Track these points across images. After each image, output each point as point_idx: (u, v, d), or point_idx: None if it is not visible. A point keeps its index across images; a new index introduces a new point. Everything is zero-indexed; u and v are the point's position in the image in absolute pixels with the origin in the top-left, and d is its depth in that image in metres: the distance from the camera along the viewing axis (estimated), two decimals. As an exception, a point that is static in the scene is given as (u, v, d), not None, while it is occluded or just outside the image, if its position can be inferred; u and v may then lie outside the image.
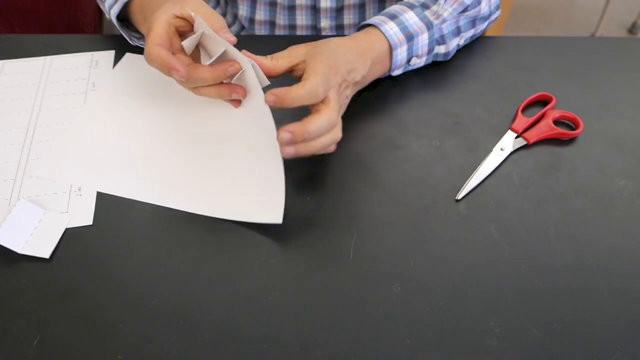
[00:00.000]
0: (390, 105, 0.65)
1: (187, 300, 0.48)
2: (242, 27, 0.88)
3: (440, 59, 0.68)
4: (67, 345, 0.46)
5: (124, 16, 0.67)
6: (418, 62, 0.66)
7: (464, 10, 0.66)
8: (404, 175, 0.58)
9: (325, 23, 0.81)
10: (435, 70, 0.68)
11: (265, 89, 0.53)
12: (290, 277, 0.50)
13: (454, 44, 0.67)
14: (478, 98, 0.67)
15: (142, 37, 0.63)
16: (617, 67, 0.71)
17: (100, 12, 1.40)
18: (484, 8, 0.68)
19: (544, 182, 0.58)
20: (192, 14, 0.54)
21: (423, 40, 0.63)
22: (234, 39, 0.55)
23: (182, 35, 0.57)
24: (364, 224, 0.54)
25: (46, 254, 0.51)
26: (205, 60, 0.56)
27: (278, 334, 0.46)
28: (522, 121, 0.63)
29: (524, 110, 0.65)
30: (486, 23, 0.71)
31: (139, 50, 0.69)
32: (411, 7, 0.64)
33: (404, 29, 0.62)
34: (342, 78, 0.56)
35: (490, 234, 0.53)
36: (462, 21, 0.67)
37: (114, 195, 0.56)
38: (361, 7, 0.81)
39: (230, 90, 0.56)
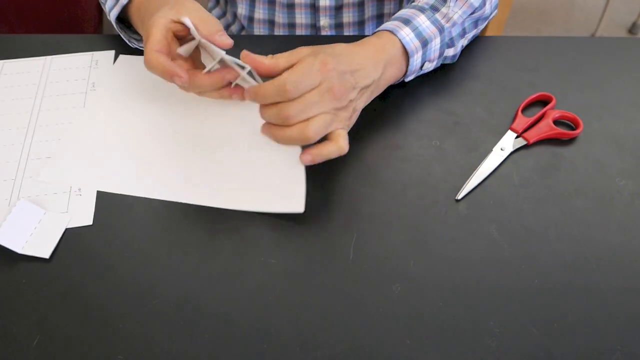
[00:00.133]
0: (390, 105, 0.65)
1: (187, 300, 0.48)
2: (243, 27, 0.88)
3: (448, 61, 0.68)
4: (67, 346, 0.46)
5: (124, 17, 0.67)
6: (429, 67, 0.65)
7: (473, 13, 0.66)
8: (404, 175, 0.58)
9: (324, 21, 0.81)
10: (435, 70, 0.68)
11: None
12: (290, 277, 0.50)
13: (460, 45, 0.67)
14: (478, 98, 0.67)
15: (141, 39, 0.64)
16: (617, 67, 0.71)
17: (100, 12, 1.40)
18: (487, 9, 0.68)
19: (544, 182, 0.58)
20: (186, 20, 0.54)
21: (436, 44, 0.62)
22: (230, 42, 0.55)
23: (180, 39, 0.57)
24: (364, 224, 0.54)
25: (46, 254, 0.51)
26: (206, 59, 0.56)
27: (278, 334, 0.46)
28: (522, 121, 0.63)
29: (524, 110, 0.65)
30: (486, 23, 0.71)
31: (135, 52, 0.69)
32: (422, 10, 0.62)
33: (418, 34, 0.60)
34: (343, 77, 0.53)
35: (490, 234, 0.54)
36: (467, 22, 0.66)
37: (114, 196, 0.56)
38: (360, 6, 0.81)
39: (230, 92, 0.56)
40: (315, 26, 0.82)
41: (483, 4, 0.66)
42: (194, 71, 0.56)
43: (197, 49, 0.58)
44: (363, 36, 0.61)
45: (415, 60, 0.61)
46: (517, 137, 0.62)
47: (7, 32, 1.31)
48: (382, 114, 0.64)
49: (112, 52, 0.71)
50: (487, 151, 0.61)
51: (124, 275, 0.50)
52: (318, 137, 0.52)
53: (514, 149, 0.61)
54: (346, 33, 0.84)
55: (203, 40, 0.54)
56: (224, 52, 0.53)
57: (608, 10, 1.96)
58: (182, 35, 0.57)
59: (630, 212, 0.56)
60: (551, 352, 0.46)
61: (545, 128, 0.62)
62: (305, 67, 0.51)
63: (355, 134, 0.57)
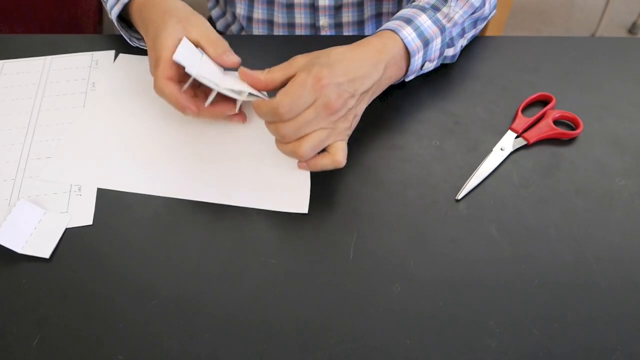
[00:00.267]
0: (390, 106, 0.65)
1: (187, 300, 0.48)
2: (242, 27, 0.88)
3: (447, 61, 0.68)
4: (67, 345, 0.46)
5: (124, 16, 0.67)
6: (429, 67, 0.65)
7: (473, 13, 0.65)
8: (404, 175, 0.58)
9: (324, 21, 0.81)
10: (435, 70, 0.68)
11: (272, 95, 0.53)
12: (290, 277, 0.50)
13: (459, 45, 0.67)
14: (478, 98, 0.67)
15: (142, 37, 0.64)
16: (617, 67, 0.71)
17: (100, 12, 1.40)
18: (486, 9, 0.68)
19: (544, 182, 0.58)
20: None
21: (437, 44, 0.62)
22: (237, 60, 0.56)
23: None
24: (364, 224, 0.54)
25: (46, 254, 0.51)
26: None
27: (278, 334, 0.46)
28: (522, 121, 0.63)
29: (524, 110, 0.65)
30: (484, 23, 0.71)
31: (135, 51, 0.69)
32: (423, 9, 0.62)
33: (420, 34, 0.60)
34: (339, 89, 0.52)
35: (490, 234, 0.54)
36: (467, 22, 0.66)
37: (114, 196, 0.56)
38: (359, 5, 0.81)
39: (232, 118, 0.61)
40: (314, 26, 0.82)
41: (483, 4, 0.66)
42: (197, 103, 0.58)
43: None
44: (363, 36, 0.61)
45: (417, 60, 0.61)
46: (517, 137, 0.62)
47: (7, 32, 1.31)
48: (382, 114, 0.64)
49: (112, 52, 0.71)
50: (487, 151, 0.61)
51: (124, 275, 0.50)
52: (311, 154, 0.54)
53: (514, 149, 0.61)
54: (346, 33, 0.84)
55: (200, 77, 0.54)
56: (219, 86, 0.54)
57: (608, 10, 1.96)
58: None
59: (630, 212, 0.56)
60: (551, 351, 0.46)
61: (545, 128, 0.62)
62: (298, 87, 0.51)
63: (355, 135, 0.57)
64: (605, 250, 0.53)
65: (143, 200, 0.55)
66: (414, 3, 0.64)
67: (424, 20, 0.61)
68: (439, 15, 0.62)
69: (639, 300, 0.49)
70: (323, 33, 0.83)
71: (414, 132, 0.63)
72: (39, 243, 0.51)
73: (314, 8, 0.80)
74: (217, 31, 0.60)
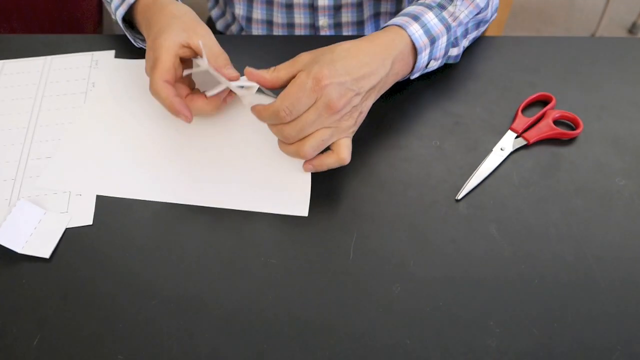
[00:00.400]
0: (390, 106, 0.65)
1: (187, 300, 0.48)
2: (242, 27, 0.88)
3: (451, 61, 0.68)
4: (67, 345, 0.46)
5: (129, 17, 0.67)
6: (434, 65, 0.65)
7: (478, 14, 0.65)
8: (404, 175, 0.58)
9: (323, 21, 0.81)
10: (436, 71, 0.68)
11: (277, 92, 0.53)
12: (290, 277, 0.50)
13: (462, 45, 0.67)
14: (478, 98, 0.67)
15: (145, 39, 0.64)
16: (617, 67, 0.71)
17: (100, 12, 1.40)
18: (489, 12, 0.68)
19: (544, 182, 0.58)
20: (201, 46, 0.54)
21: (442, 43, 0.62)
22: (236, 74, 0.56)
23: (184, 61, 0.58)
24: (364, 224, 0.54)
25: (46, 254, 0.51)
26: (206, 83, 0.56)
27: (278, 334, 0.46)
28: (522, 121, 0.63)
29: (524, 110, 0.65)
30: (486, 26, 0.71)
31: (135, 51, 0.69)
32: (429, 7, 0.61)
33: (427, 31, 0.59)
34: (342, 88, 0.52)
35: (490, 234, 0.54)
36: (471, 23, 0.66)
37: (114, 196, 0.56)
38: (359, 6, 0.81)
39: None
40: (314, 26, 0.82)
41: (487, 5, 0.66)
42: (193, 96, 0.58)
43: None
44: (362, 36, 0.61)
45: (423, 57, 0.61)
46: (517, 137, 0.62)
47: (7, 32, 1.31)
48: (383, 114, 0.64)
49: (112, 52, 0.71)
50: (487, 151, 0.61)
51: (124, 275, 0.50)
52: (314, 154, 0.54)
53: (514, 149, 0.61)
54: (345, 33, 0.84)
55: (212, 70, 0.55)
56: (229, 82, 0.54)
57: (608, 10, 1.96)
58: (187, 58, 0.58)
59: (630, 212, 0.56)
60: (551, 351, 0.46)
61: (545, 128, 0.62)
62: (298, 89, 0.51)
63: (356, 135, 0.57)
64: (605, 250, 0.53)
65: (143, 201, 0.55)
66: (419, 1, 0.64)
67: (431, 18, 0.60)
68: (445, 13, 0.62)
69: (639, 300, 0.49)
70: (322, 33, 0.83)
71: (414, 132, 0.63)
72: (39, 243, 0.52)
73: (313, 8, 0.80)
74: (217, 31, 0.60)
